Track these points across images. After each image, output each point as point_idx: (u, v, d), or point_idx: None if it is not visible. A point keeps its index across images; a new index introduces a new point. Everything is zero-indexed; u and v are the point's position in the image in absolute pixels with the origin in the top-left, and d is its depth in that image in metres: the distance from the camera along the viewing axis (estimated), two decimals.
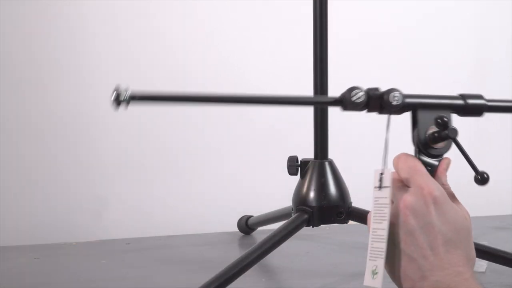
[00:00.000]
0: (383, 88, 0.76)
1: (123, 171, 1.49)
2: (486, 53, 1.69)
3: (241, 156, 1.56)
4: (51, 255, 1.26)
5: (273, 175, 1.55)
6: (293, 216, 1.07)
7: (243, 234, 1.41)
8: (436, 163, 0.75)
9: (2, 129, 1.42)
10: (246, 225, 1.39)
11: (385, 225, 0.72)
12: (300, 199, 1.08)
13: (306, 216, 1.06)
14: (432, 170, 0.74)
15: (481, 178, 0.73)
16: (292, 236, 1.04)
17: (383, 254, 0.71)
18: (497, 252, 1.06)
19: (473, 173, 0.74)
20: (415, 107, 0.75)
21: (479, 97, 0.79)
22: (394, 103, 0.74)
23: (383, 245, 0.71)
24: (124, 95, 0.69)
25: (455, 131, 0.73)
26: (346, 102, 0.75)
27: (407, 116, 0.76)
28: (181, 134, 1.52)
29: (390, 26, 1.63)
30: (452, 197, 0.73)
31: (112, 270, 1.16)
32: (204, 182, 1.54)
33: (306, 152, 1.15)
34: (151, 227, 1.48)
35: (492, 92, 1.68)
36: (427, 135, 0.74)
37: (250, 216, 1.39)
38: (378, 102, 0.75)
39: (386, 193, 0.73)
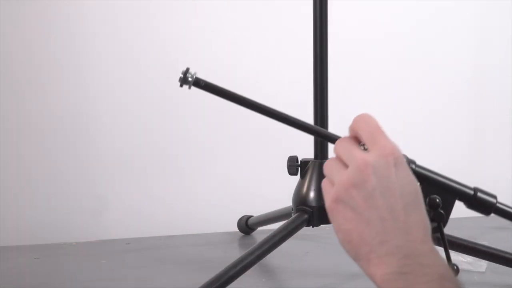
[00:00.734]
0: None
1: (123, 171, 1.50)
2: (486, 53, 1.69)
3: (241, 156, 1.56)
4: (51, 255, 1.26)
5: (273, 175, 1.55)
6: (293, 216, 1.07)
7: (243, 234, 1.41)
8: None
9: (2, 129, 1.42)
10: (246, 225, 1.39)
11: None
12: (300, 199, 1.08)
13: (306, 216, 1.06)
14: None
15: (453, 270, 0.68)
16: (292, 236, 1.04)
17: None
18: (497, 252, 1.06)
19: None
20: (423, 179, 0.75)
21: (493, 196, 0.78)
22: None
23: None
24: (191, 76, 0.77)
25: (442, 216, 0.72)
26: None
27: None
28: (181, 134, 1.53)
29: (390, 26, 1.63)
30: None
31: (112, 270, 1.16)
32: (204, 182, 1.54)
33: (307, 151, 1.15)
34: (151, 227, 1.48)
35: (492, 92, 1.69)
36: None
37: (250, 216, 1.40)
38: None
39: None
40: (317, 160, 1.11)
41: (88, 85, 1.46)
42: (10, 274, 1.14)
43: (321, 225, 1.30)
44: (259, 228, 1.39)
